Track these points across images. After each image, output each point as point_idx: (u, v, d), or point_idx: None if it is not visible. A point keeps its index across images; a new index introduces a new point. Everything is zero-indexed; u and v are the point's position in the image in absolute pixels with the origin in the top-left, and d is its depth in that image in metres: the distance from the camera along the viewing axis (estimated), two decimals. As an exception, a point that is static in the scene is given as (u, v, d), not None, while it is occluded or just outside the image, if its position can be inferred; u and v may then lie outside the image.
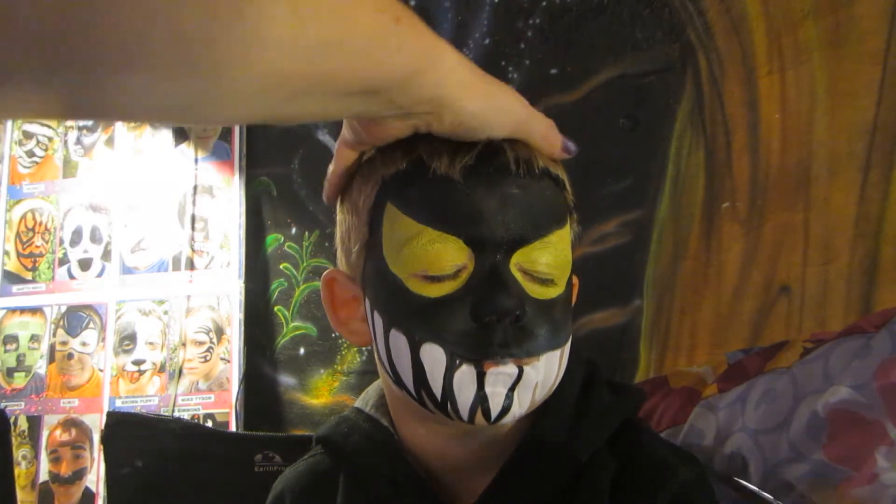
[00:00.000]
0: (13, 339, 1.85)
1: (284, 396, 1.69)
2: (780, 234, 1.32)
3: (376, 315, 0.57)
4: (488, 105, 0.51)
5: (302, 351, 1.70)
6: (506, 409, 0.53)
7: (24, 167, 1.94)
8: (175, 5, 0.34)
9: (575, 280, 0.64)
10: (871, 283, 1.24)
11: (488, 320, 0.51)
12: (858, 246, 1.25)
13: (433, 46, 0.47)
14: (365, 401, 0.69)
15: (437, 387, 0.53)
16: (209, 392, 1.71)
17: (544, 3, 1.55)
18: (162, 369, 1.75)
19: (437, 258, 0.53)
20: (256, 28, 0.37)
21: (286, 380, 1.70)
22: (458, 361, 0.52)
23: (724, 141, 1.38)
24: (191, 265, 1.78)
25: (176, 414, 1.69)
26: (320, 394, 1.67)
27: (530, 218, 0.54)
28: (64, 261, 1.86)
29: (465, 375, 0.52)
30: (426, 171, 0.54)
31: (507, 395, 0.52)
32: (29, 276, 1.88)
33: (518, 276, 0.53)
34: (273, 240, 1.75)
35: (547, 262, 0.54)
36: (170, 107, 0.40)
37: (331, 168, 0.60)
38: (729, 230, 1.36)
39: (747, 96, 1.37)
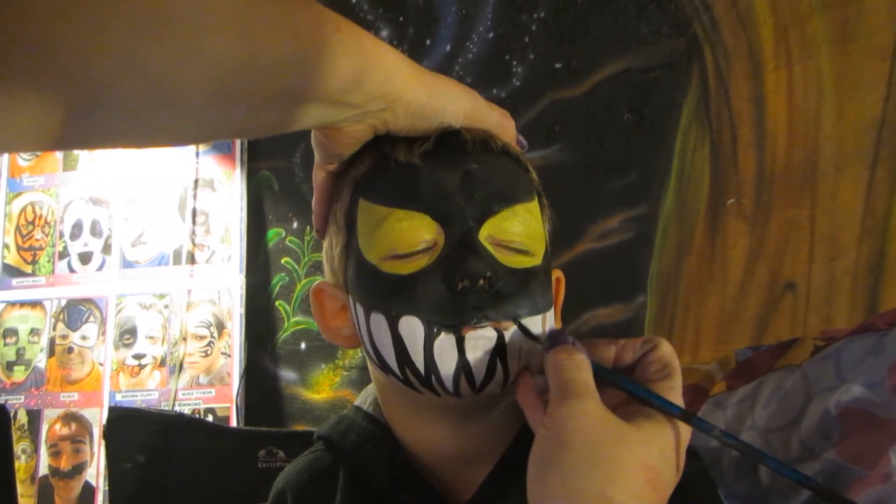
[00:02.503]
0: (13, 332, 1.85)
1: (285, 391, 1.69)
2: (786, 230, 1.31)
3: (358, 307, 0.57)
4: (435, 92, 0.54)
5: (303, 346, 1.69)
6: (490, 376, 0.53)
7: (24, 160, 1.93)
8: (140, 46, 0.38)
9: (560, 275, 0.65)
10: (878, 280, 1.23)
11: (461, 286, 0.51)
12: (865, 243, 1.25)
13: (374, 48, 0.50)
14: (364, 399, 0.69)
15: (418, 360, 0.53)
16: (210, 386, 1.71)
17: (549, -3, 1.54)
18: (162, 363, 1.75)
19: (404, 236, 0.54)
20: (212, 58, 0.41)
21: (287, 374, 1.69)
22: (435, 330, 0.52)
23: (730, 136, 1.38)
24: (192, 259, 1.77)
25: (176, 408, 1.69)
26: (321, 389, 1.67)
27: (493, 189, 0.55)
28: (64, 254, 1.85)
29: (444, 343, 0.52)
30: (390, 161, 0.56)
31: (489, 361, 0.52)
32: (29, 269, 1.87)
33: (490, 247, 0.54)
34: (274, 234, 1.75)
35: (517, 230, 0.55)
36: (138, 134, 0.45)
37: (314, 200, 0.63)
38: (734, 226, 1.36)
39: (754, 91, 1.36)
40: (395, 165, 0.56)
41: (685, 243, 1.40)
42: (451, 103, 0.55)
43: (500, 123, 0.59)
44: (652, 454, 0.45)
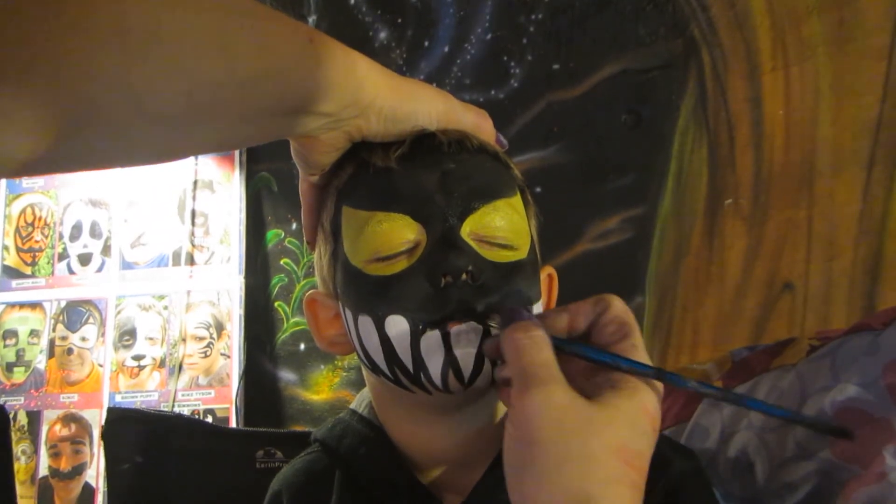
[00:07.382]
0: (13, 334, 1.85)
1: (284, 392, 1.69)
2: (784, 230, 1.31)
3: (347, 312, 0.58)
4: (406, 96, 0.55)
5: (302, 346, 1.69)
6: (477, 370, 0.53)
7: (24, 161, 1.93)
8: (129, 67, 0.39)
9: (552, 272, 0.65)
10: (875, 280, 1.24)
11: (444, 282, 0.52)
12: (862, 243, 1.25)
13: (345, 57, 0.51)
14: (359, 402, 0.69)
15: (406, 358, 0.53)
16: (209, 387, 1.71)
17: (547, -1, 1.54)
18: (162, 364, 1.75)
19: (386, 237, 0.55)
20: (194, 75, 0.42)
21: (286, 375, 1.69)
22: (421, 327, 0.52)
23: (728, 137, 1.38)
24: (191, 260, 1.77)
25: (176, 409, 1.69)
26: (320, 389, 1.67)
27: (472, 186, 0.56)
28: (63, 256, 1.85)
29: (430, 339, 0.52)
30: (369, 168, 0.57)
31: (476, 355, 0.52)
32: (28, 270, 1.87)
33: (472, 243, 0.54)
34: (273, 235, 1.75)
35: (499, 225, 0.56)
36: (121, 154, 0.46)
37: (302, 213, 0.64)
38: (732, 227, 1.36)
39: (751, 92, 1.37)
40: (374, 171, 0.57)
41: (683, 244, 1.40)
42: (423, 106, 0.56)
43: (477, 123, 0.60)
44: (621, 432, 0.43)
